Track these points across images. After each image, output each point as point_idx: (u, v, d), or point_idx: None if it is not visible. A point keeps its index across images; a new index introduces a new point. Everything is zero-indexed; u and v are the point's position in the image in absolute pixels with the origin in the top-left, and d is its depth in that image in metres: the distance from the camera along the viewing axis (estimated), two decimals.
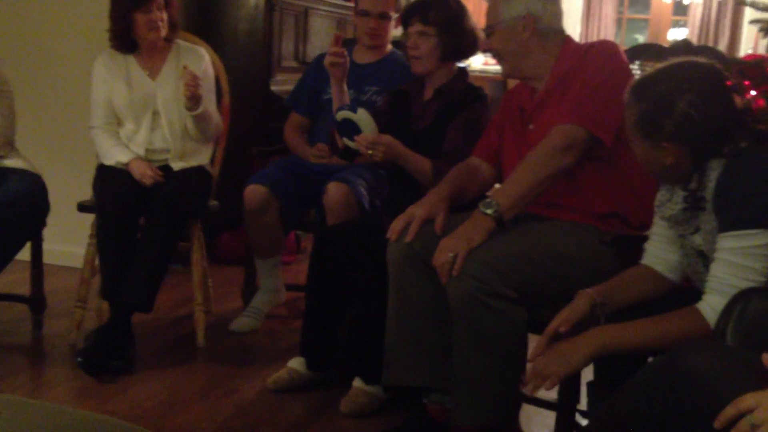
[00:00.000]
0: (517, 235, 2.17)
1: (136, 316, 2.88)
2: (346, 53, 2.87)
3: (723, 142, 1.76)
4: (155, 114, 3.09)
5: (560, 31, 2.38)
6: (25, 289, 3.22)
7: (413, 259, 2.28)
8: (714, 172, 1.76)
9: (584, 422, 2.31)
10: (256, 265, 3.37)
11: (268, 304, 3.36)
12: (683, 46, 2.59)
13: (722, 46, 8.80)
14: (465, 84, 2.80)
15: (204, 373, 2.88)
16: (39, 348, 3.09)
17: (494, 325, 2.07)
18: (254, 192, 3.10)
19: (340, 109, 2.68)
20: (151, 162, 3.03)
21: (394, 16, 3.19)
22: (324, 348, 2.74)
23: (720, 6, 9.16)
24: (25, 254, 2.99)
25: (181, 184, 3.00)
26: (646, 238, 2.03)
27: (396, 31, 3.18)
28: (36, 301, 3.16)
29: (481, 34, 2.83)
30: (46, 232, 3.06)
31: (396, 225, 2.30)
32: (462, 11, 2.74)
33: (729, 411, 1.26)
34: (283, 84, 4.12)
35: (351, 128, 2.63)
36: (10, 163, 2.93)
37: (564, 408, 2.18)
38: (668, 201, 1.89)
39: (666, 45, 2.67)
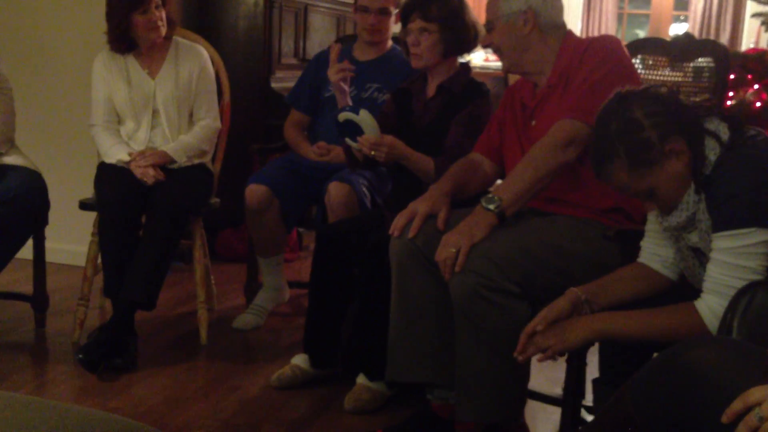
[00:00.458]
0: (518, 231, 2.17)
1: (138, 313, 2.88)
2: (351, 67, 2.86)
3: (697, 117, 1.76)
4: (155, 112, 3.09)
5: (561, 26, 2.36)
6: (27, 288, 3.21)
7: (415, 255, 2.28)
8: (709, 161, 1.74)
9: (590, 418, 2.31)
10: (258, 263, 3.36)
11: (272, 302, 3.36)
12: (685, 40, 2.57)
13: (723, 40, 8.78)
14: (467, 80, 2.78)
15: (207, 371, 2.88)
16: (42, 346, 3.09)
17: (496, 321, 2.07)
18: (254, 191, 3.09)
19: (343, 110, 2.67)
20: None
21: (394, 11, 3.18)
22: (327, 345, 2.74)
23: (721, 0, 9.14)
24: (27, 252, 2.99)
25: (182, 182, 2.99)
26: None
27: (396, 27, 3.18)
28: (38, 300, 3.15)
29: (482, 28, 2.82)
30: (48, 231, 3.06)
31: (398, 221, 2.30)
32: (462, 6, 2.73)
33: (737, 405, 1.25)
34: (283, 81, 4.11)
35: (353, 129, 2.62)
36: (10, 160, 2.93)
37: (569, 404, 2.18)
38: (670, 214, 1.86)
39: (668, 39, 2.64)
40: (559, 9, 2.37)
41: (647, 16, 9.91)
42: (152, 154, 2.97)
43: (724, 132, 1.75)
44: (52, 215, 2.99)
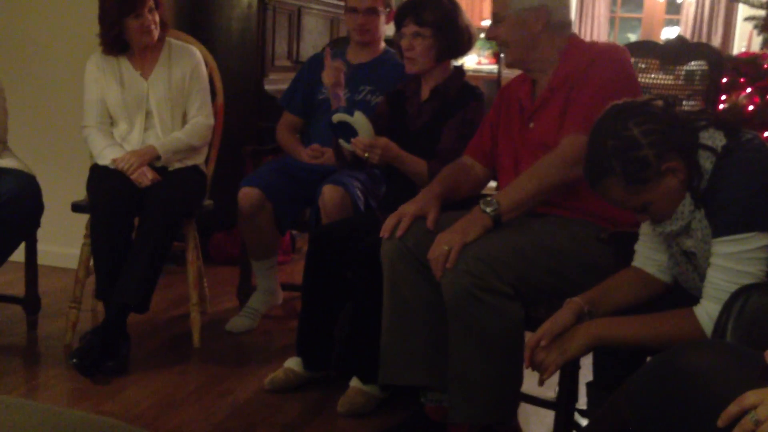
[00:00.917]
0: (511, 232, 2.17)
1: (131, 316, 2.87)
2: (342, 64, 2.86)
3: (693, 130, 1.75)
4: (148, 114, 3.08)
5: (569, 25, 2.36)
6: (19, 290, 3.20)
7: (406, 257, 2.28)
8: (705, 171, 1.74)
9: (583, 422, 2.31)
10: (252, 265, 3.35)
11: (265, 305, 3.35)
12: (678, 43, 2.58)
13: (715, 43, 8.81)
14: (461, 83, 2.78)
15: (200, 374, 2.87)
16: (34, 349, 3.07)
17: (489, 321, 2.07)
18: (247, 195, 3.08)
19: (336, 111, 2.67)
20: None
21: (384, 11, 3.18)
22: (320, 347, 2.73)
23: (713, 4, 9.17)
24: (19, 255, 2.97)
25: (175, 184, 2.98)
26: None
27: (388, 29, 3.18)
28: (30, 302, 3.14)
29: (476, 31, 2.83)
30: (41, 233, 3.05)
31: (388, 223, 2.30)
32: (455, 9, 2.73)
33: (732, 409, 1.25)
34: (276, 83, 4.11)
35: (347, 131, 2.62)
36: (4, 163, 2.91)
37: (563, 407, 2.18)
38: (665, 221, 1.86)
39: (660, 43, 2.65)
40: (569, 7, 2.37)
41: (639, 19, 9.94)
42: (141, 154, 2.96)
43: (720, 140, 1.74)
44: (44, 217, 2.98)
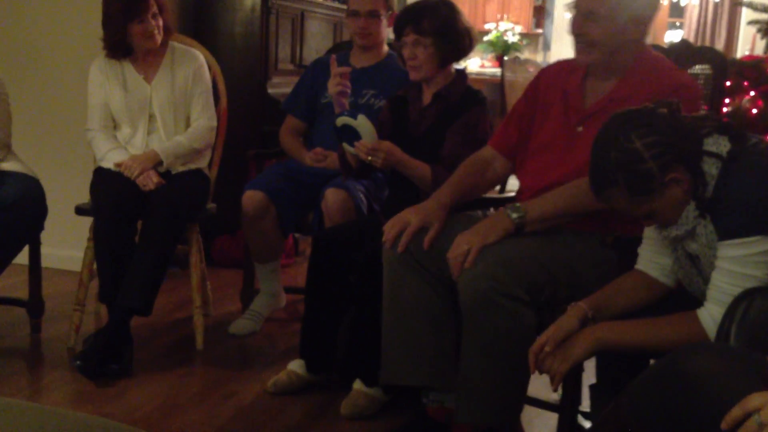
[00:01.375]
0: (530, 240, 2.16)
1: (134, 319, 2.87)
2: (348, 69, 2.87)
3: (697, 138, 1.75)
4: (151, 117, 3.09)
5: (646, 36, 2.26)
6: (23, 293, 3.20)
7: (406, 259, 2.29)
8: (710, 176, 1.74)
9: (586, 424, 2.31)
10: (255, 268, 3.36)
11: (268, 308, 3.35)
12: (682, 47, 2.58)
13: (719, 47, 8.81)
14: (464, 87, 2.78)
15: (203, 376, 2.87)
16: (37, 352, 3.08)
17: (504, 326, 2.05)
18: (252, 198, 3.09)
19: (340, 114, 2.67)
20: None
21: (386, 14, 3.18)
22: (323, 350, 2.73)
23: (717, 7, 9.17)
24: (23, 258, 2.98)
25: (179, 188, 2.99)
26: None
27: (390, 31, 3.18)
28: (34, 305, 3.14)
29: (476, 34, 2.82)
30: (44, 236, 3.05)
31: (390, 231, 2.29)
32: (454, 14, 2.72)
33: (735, 412, 1.25)
34: (279, 87, 4.12)
35: (351, 134, 2.62)
36: (7, 166, 2.92)
37: (566, 410, 2.18)
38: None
39: (664, 46, 2.65)
40: None
41: None
42: (143, 159, 2.96)
43: (725, 145, 1.74)
44: (48, 220, 2.98)
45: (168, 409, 2.57)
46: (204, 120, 3.15)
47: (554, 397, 2.44)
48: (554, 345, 1.86)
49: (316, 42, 4.55)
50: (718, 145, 1.74)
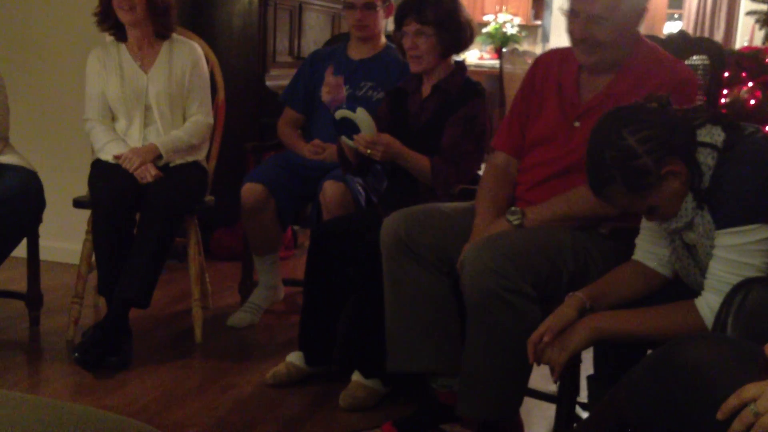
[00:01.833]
0: (536, 231, 2.17)
1: (133, 311, 2.87)
2: (343, 80, 2.86)
3: (690, 130, 1.75)
4: (147, 109, 3.08)
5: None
6: (21, 286, 3.20)
7: (402, 248, 2.30)
8: (706, 167, 1.74)
9: (584, 415, 2.31)
10: (254, 261, 3.36)
11: (267, 300, 3.36)
12: (680, 38, 2.58)
13: (718, 38, 8.80)
14: (463, 79, 2.78)
15: (202, 369, 2.88)
16: (36, 344, 3.08)
17: (510, 322, 2.05)
18: (251, 190, 3.09)
19: (339, 107, 2.66)
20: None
21: (382, 6, 3.18)
22: (322, 342, 2.74)
23: None
24: (21, 251, 2.98)
25: (177, 180, 2.98)
26: None
27: (387, 23, 3.18)
28: (33, 298, 3.15)
29: (476, 26, 2.81)
30: (42, 229, 3.05)
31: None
32: (456, 5, 2.72)
33: (732, 401, 1.25)
34: (277, 79, 4.11)
35: (350, 127, 2.61)
36: (5, 159, 2.91)
37: (564, 401, 2.18)
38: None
39: (662, 37, 2.64)
40: None
41: None
42: (143, 152, 2.96)
43: (719, 135, 1.74)
44: (46, 213, 2.98)
45: (167, 401, 2.58)
46: (201, 116, 3.14)
47: (552, 388, 2.45)
48: (553, 335, 1.86)
49: (315, 34, 4.54)
50: (712, 135, 1.74)
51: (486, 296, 2.04)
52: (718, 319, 1.63)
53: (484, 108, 2.72)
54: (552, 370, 1.88)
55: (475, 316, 2.10)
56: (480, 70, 8.72)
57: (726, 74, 3.94)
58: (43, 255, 3.15)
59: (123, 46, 3.10)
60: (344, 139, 2.67)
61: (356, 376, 2.61)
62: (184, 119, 3.14)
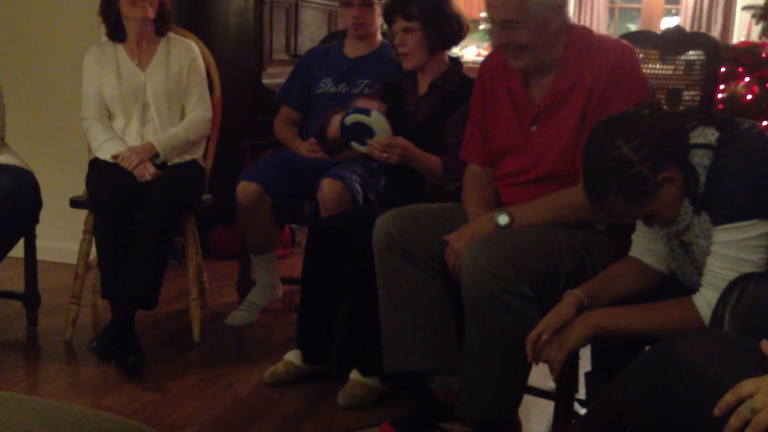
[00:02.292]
0: (533, 229, 2.17)
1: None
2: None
3: (682, 134, 1.75)
4: (145, 107, 3.08)
5: (568, 15, 2.24)
6: (19, 286, 3.20)
7: (393, 247, 2.30)
8: (702, 168, 1.74)
9: (583, 412, 2.31)
10: (251, 259, 3.36)
11: (265, 299, 3.35)
12: (676, 33, 2.57)
13: (715, 33, 8.80)
14: (460, 76, 2.77)
15: (200, 368, 2.87)
16: (34, 344, 3.08)
17: (508, 323, 2.05)
18: (246, 189, 3.08)
19: (350, 112, 2.58)
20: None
21: (379, 3, 3.17)
22: (320, 341, 2.74)
23: None
24: (18, 251, 2.97)
25: (174, 179, 2.98)
26: None
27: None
28: (30, 298, 3.14)
29: (467, 19, 2.80)
30: (39, 229, 3.04)
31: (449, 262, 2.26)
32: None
33: (728, 398, 1.26)
34: (274, 77, 4.11)
35: (362, 132, 2.55)
36: (2, 159, 2.90)
37: (562, 397, 2.18)
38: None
39: (658, 33, 2.64)
40: None
41: (639, 10, 9.92)
42: (140, 151, 2.96)
43: (712, 134, 1.74)
44: (43, 213, 2.98)
45: (165, 400, 2.58)
46: (200, 111, 3.14)
47: (550, 385, 2.45)
48: (551, 333, 1.86)
49: (311, 32, 4.53)
50: (706, 135, 1.74)
51: (484, 298, 2.04)
52: (715, 314, 1.63)
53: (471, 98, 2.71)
54: (551, 369, 1.88)
55: (473, 318, 2.10)
56: (477, 67, 8.70)
57: (723, 69, 3.94)
58: (40, 255, 3.15)
59: (120, 45, 3.09)
60: (355, 145, 2.61)
61: (354, 375, 2.61)
62: (182, 117, 3.14)
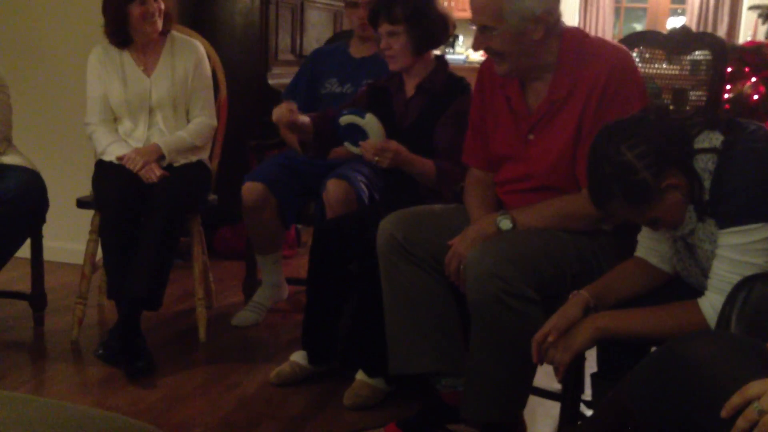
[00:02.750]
0: (539, 232, 2.16)
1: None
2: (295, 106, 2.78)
3: (687, 140, 1.74)
4: (151, 111, 3.08)
5: (560, 21, 2.19)
6: (25, 286, 3.21)
7: (397, 249, 2.30)
8: (707, 173, 1.73)
9: (588, 413, 2.31)
10: (257, 260, 3.36)
11: (270, 299, 3.36)
12: (682, 33, 2.56)
13: (721, 33, 8.77)
14: (446, 76, 2.75)
15: (206, 368, 2.88)
16: (40, 345, 3.08)
17: (513, 326, 2.04)
18: (251, 189, 3.08)
19: (345, 113, 2.59)
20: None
21: None
22: (325, 341, 2.74)
23: None
24: (25, 251, 2.98)
25: (180, 179, 2.98)
26: None
27: None
28: (37, 298, 3.15)
29: (453, 19, 2.79)
30: (46, 229, 3.05)
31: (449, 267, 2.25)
32: (427, 1, 2.70)
33: (735, 399, 1.25)
34: (279, 77, 4.11)
35: (356, 133, 2.56)
36: (8, 159, 2.92)
37: (568, 399, 2.18)
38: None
39: (665, 33, 2.63)
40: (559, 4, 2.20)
41: (644, 9, 9.89)
42: (146, 152, 2.96)
43: (717, 138, 1.73)
44: (50, 213, 2.99)
45: (171, 400, 2.58)
46: (205, 118, 3.14)
47: (556, 386, 2.44)
48: (557, 335, 1.86)
49: (317, 32, 4.54)
50: (711, 140, 1.73)
51: (488, 301, 2.04)
52: (721, 316, 1.62)
53: (471, 102, 2.70)
54: (556, 370, 1.88)
55: (478, 320, 2.10)
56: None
57: (729, 70, 3.92)
58: (47, 255, 3.16)
59: (125, 50, 3.08)
60: (348, 145, 2.62)
61: (360, 375, 2.61)
62: (188, 118, 3.14)
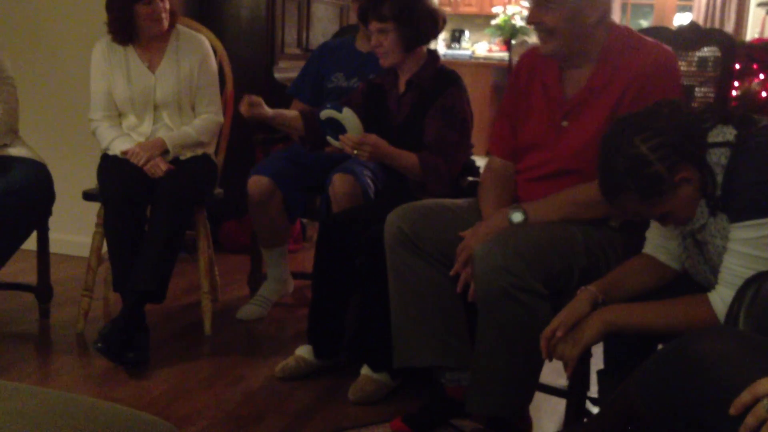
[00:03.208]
0: (547, 226, 2.16)
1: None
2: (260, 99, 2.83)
3: (701, 135, 1.73)
4: (156, 108, 3.07)
5: (611, 16, 2.23)
6: (31, 279, 3.21)
7: (405, 243, 2.30)
8: (719, 167, 1.73)
9: (595, 410, 2.31)
10: (262, 254, 3.36)
11: (276, 293, 3.36)
12: (690, 29, 2.56)
13: (728, 29, 8.73)
14: (436, 70, 2.76)
15: (211, 361, 2.88)
16: (46, 337, 3.09)
17: (521, 320, 2.04)
18: (257, 183, 3.08)
19: (325, 107, 2.65)
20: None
21: None
22: (331, 336, 2.74)
23: None
24: (31, 244, 2.98)
25: (186, 173, 2.98)
26: None
27: None
28: (43, 291, 3.15)
29: (443, 13, 2.79)
30: (52, 221, 3.05)
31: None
32: None
33: (744, 397, 1.25)
34: (286, 71, 4.10)
35: (336, 127, 2.61)
36: (15, 151, 2.91)
37: (574, 395, 2.17)
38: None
39: (672, 29, 2.62)
40: None
41: (651, 6, 9.87)
42: (150, 147, 2.96)
43: (730, 133, 1.73)
44: (56, 206, 2.99)
45: (176, 393, 2.58)
46: (212, 114, 3.14)
47: (562, 382, 2.44)
48: (566, 330, 1.86)
49: (323, 26, 4.53)
50: (724, 134, 1.73)
51: (496, 294, 2.04)
52: (730, 312, 1.62)
53: (461, 95, 2.70)
54: (565, 365, 1.87)
55: (485, 314, 2.10)
56: (489, 63, 8.69)
57: (737, 66, 3.91)
58: (53, 247, 3.16)
59: (129, 45, 3.07)
60: (330, 139, 2.66)
61: (365, 370, 2.61)
62: (194, 114, 3.13)
